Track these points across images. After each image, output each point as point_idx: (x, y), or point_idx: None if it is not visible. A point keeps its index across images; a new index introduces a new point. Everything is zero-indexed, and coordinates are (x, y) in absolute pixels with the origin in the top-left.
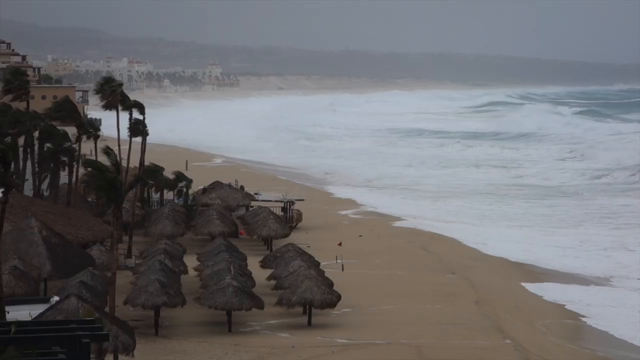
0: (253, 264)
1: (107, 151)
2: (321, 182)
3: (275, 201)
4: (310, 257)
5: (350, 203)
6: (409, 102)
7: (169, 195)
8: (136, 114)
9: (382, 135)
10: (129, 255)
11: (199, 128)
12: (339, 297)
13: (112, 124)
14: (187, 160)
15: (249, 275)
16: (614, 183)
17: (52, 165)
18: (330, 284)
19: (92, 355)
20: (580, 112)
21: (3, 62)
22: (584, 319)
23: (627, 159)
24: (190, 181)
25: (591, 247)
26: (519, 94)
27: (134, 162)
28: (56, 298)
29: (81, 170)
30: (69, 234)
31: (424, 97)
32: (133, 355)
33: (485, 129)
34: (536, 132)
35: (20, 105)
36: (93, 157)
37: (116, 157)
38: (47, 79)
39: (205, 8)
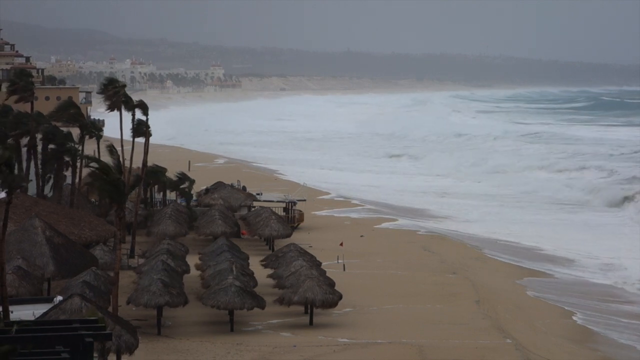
0: (255, 263)
1: (111, 150)
2: None
3: (277, 201)
4: (312, 257)
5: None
6: (376, 102)
7: (171, 195)
8: (139, 115)
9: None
10: (131, 255)
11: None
12: (340, 297)
13: (115, 125)
14: (189, 161)
15: (250, 275)
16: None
17: (55, 165)
18: (331, 284)
19: (95, 355)
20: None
21: (7, 64)
22: (583, 319)
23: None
24: (192, 182)
25: (586, 246)
26: (463, 95)
27: (137, 162)
28: (59, 298)
29: (84, 171)
30: (72, 234)
31: (388, 99)
32: (133, 354)
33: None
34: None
35: (25, 106)
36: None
37: (119, 157)
38: (50, 80)
39: (207, 9)
